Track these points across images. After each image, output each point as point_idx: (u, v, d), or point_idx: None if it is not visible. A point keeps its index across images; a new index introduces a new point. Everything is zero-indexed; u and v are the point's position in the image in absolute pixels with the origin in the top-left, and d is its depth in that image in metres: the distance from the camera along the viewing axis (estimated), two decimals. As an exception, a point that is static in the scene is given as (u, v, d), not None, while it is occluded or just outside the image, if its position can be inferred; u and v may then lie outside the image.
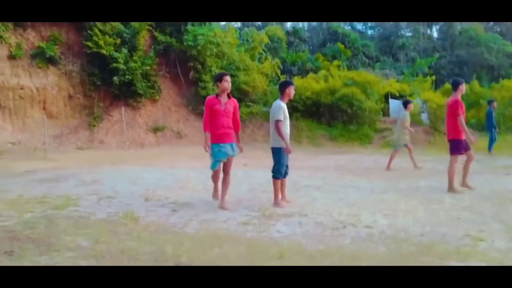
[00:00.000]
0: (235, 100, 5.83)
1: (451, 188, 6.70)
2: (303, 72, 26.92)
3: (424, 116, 20.61)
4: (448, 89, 21.26)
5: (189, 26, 20.07)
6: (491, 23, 37.42)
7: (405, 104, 10.23)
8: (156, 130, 19.65)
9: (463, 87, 6.92)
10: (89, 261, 3.45)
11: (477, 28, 33.81)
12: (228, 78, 5.68)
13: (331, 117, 19.39)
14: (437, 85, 25.08)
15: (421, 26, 39.38)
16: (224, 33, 21.53)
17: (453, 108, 6.71)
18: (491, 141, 13.07)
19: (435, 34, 40.49)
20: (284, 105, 5.76)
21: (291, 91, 5.85)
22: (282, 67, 25.93)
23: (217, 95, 5.68)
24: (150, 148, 17.85)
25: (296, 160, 12.63)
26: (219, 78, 5.66)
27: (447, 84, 22.21)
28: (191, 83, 21.19)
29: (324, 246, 3.91)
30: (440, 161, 10.17)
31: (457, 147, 6.76)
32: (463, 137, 6.73)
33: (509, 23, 36.53)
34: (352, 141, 17.75)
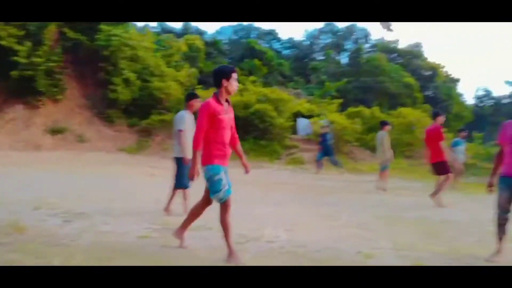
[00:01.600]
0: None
1: (439, 204, 7.63)
2: (220, 84, 27.00)
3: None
4: (352, 112, 22.82)
5: (103, 25, 19.09)
6: (395, 54, 41.17)
7: (384, 124, 10.80)
8: (55, 132, 18.18)
9: (442, 118, 8.04)
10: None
11: (382, 58, 36.89)
12: (236, 75, 4.06)
13: (244, 131, 19.67)
14: (343, 108, 26.77)
15: (333, 51, 42.01)
16: (141, 36, 20.86)
17: (436, 134, 7.71)
18: None
19: (344, 60, 43.45)
20: (188, 116, 5.77)
21: (195, 104, 5.93)
22: (199, 77, 25.81)
23: (217, 99, 3.94)
24: (47, 151, 16.44)
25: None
26: (227, 74, 3.94)
27: (351, 108, 23.75)
28: (99, 85, 20.08)
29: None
30: (339, 180, 10.78)
31: (445, 167, 7.73)
32: (446, 158, 7.77)
33: (410, 56, 40.52)
34: (262, 156, 18.13)
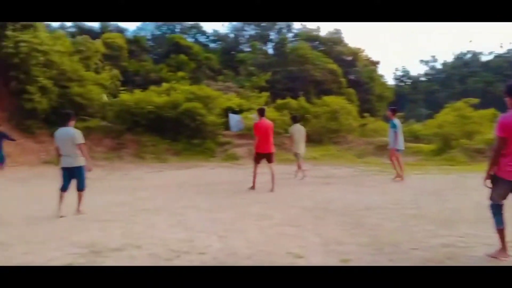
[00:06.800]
0: None
1: None
2: (147, 83, 26.20)
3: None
4: (280, 104, 23.15)
5: (9, 31, 17.61)
6: (317, 42, 42.34)
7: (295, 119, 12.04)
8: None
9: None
10: None
11: (305, 46, 37.82)
12: None
13: (175, 132, 19.29)
14: (274, 98, 27.10)
15: (258, 42, 42.34)
16: (53, 40, 19.56)
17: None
18: None
19: (270, 51, 43.99)
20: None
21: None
22: (124, 77, 24.88)
23: None
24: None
25: (139, 179, 12.20)
26: None
27: (278, 100, 24.07)
28: (14, 95, 18.62)
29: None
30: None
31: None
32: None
33: (331, 43, 41.86)
34: (197, 155, 17.98)
